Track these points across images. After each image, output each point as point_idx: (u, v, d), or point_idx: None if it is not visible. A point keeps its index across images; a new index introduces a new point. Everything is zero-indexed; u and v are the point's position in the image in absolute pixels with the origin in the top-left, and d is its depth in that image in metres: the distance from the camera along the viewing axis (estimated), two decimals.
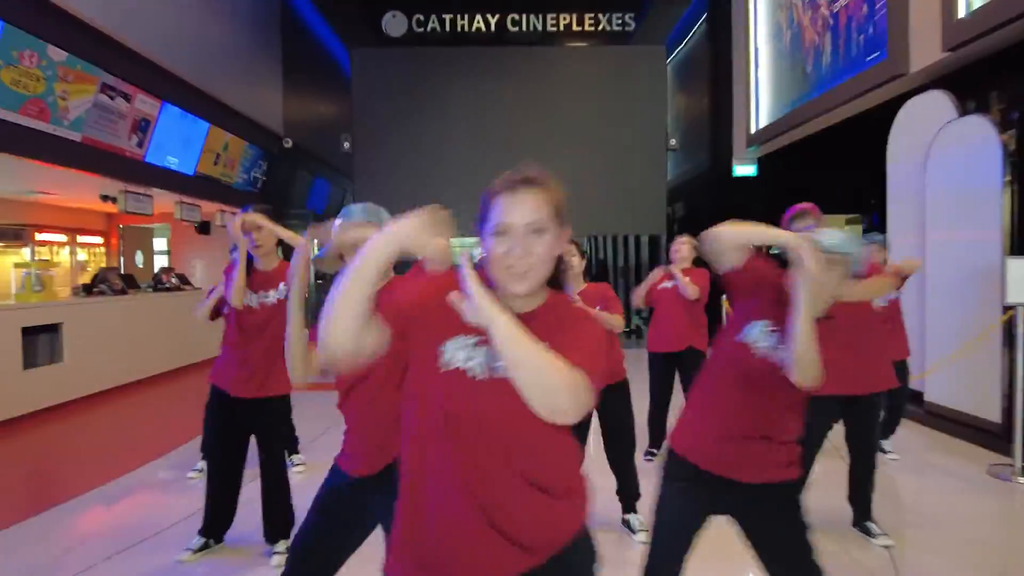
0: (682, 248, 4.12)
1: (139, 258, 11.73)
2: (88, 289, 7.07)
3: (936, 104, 5.36)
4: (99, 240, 11.06)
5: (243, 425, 2.89)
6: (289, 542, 2.88)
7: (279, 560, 2.83)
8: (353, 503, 1.73)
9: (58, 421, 5.57)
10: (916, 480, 4.11)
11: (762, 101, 9.27)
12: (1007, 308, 4.17)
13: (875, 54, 6.37)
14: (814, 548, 1.77)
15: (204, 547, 2.96)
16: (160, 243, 12.61)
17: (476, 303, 1.04)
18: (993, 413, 4.55)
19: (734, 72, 9.98)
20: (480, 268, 1.16)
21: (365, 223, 1.81)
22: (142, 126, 6.94)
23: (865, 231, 9.94)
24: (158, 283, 8.27)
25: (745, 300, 1.80)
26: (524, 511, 1.13)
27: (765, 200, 9.78)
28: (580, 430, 2.74)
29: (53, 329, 6.03)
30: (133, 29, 6.42)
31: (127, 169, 7.01)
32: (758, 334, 1.74)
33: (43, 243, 9.70)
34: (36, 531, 3.31)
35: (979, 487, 3.87)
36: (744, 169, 9.98)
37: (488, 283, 1.13)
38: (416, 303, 1.18)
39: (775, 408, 1.74)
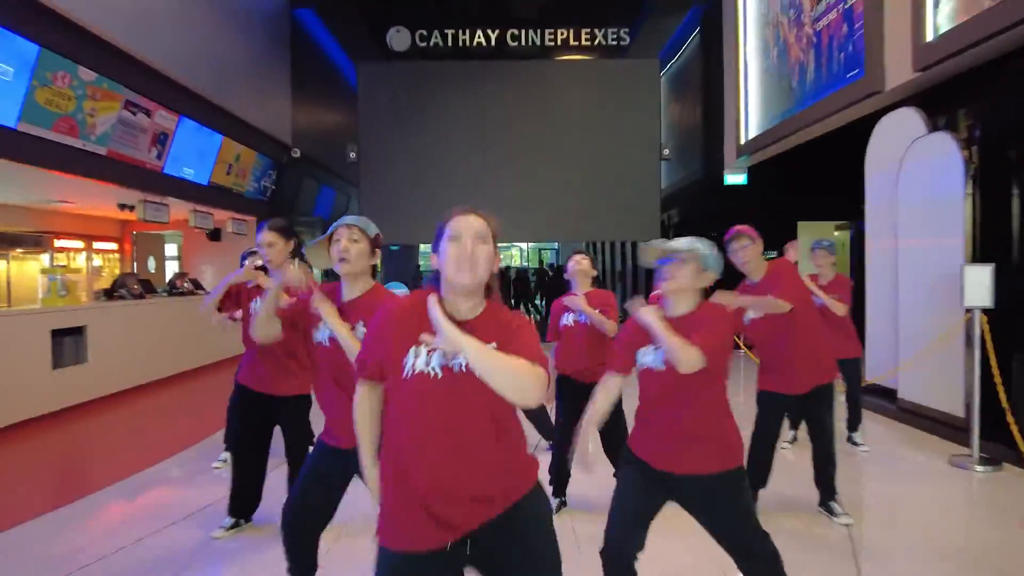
0: (583, 263, 3.58)
1: (151, 263, 12.11)
2: (109, 294, 7.45)
3: (907, 120, 5.73)
4: (114, 246, 11.44)
5: (267, 418, 3.24)
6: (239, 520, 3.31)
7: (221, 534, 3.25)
8: (333, 462, 2.21)
9: (85, 418, 5.93)
10: (883, 469, 4.46)
11: (751, 113, 9.64)
12: (968, 311, 4.54)
13: (854, 71, 6.75)
14: (758, 525, 2.12)
15: (235, 526, 3.32)
16: (171, 249, 12.99)
17: (446, 335, 1.36)
18: (957, 408, 4.90)
19: (725, 85, 10.36)
20: (433, 286, 1.53)
21: (351, 226, 2.16)
22: (161, 139, 7.32)
23: (852, 237, 10.33)
24: (173, 288, 8.64)
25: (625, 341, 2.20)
26: (482, 474, 1.48)
27: (755, 208, 10.17)
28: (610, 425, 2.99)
29: (78, 332, 6.39)
30: (155, 48, 6.81)
31: (147, 180, 7.39)
32: (650, 356, 2.11)
33: (61, 249, 10.08)
34: (75, 515, 3.63)
35: (940, 475, 4.22)
36: (735, 178, 10.35)
37: (439, 295, 1.51)
38: (383, 345, 1.55)
39: (696, 411, 2.08)
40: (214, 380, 7.80)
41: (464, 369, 1.43)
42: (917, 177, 5.49)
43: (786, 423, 4.83)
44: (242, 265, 3.51)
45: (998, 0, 4.71)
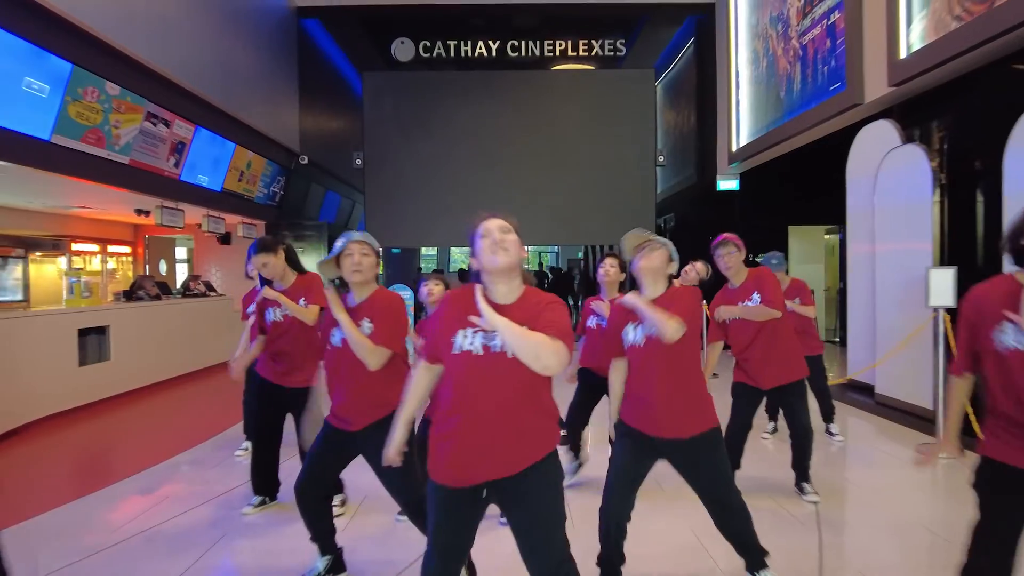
0: (611, 272, 3.81)
1: (163, 266, 12.49)
2: (128, 295, 7.81)
3: (883, 132, 6.09)
4: (127, 249, 11.81)
5: (282, 407, 3.58)
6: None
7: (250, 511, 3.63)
8: (336, 441, 2.61)
9: (110, 412, 6.29)
10: (854, 457, 4.82)
11: (742, 121, 10.01)
12: (934, 310, 4.90)
13: (836, 84, 7.12)
14: (733, 480, 2.52)
15: (262, 503, 3.68)
16: (181, 252, 13.37)
17: (486, 315, 1.74)
18: (927, 401, 5.26)
19: (718, 93, 10.74)
20: (476, 281, 1.91)
21: (361, 242, 2.53)
22: (179, 148, 7.69)
23: (841, 241, 10.67)
24: (187, 290, 9.00)
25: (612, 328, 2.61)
26: (509, 437, 1.84)
27: (747, 212, 10.55)
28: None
29: (102, 331, 6.75)
30: (173, 61, 7.18)
31: (164, 187, 7.76)
32: (632, 334, 2.48)
33: (77, 253, 10.45)
34: (108, 499, 3.95)
35: (906, 462, 4.56)
36: (727, 184, 10.71)
37: (484, 286, 1.88)
38: (436, 330, 1.96)
39: (675, 379, 2.45)
40: (227, 378, 8.17)
41: (500, 349, 1.79)
42: (891, 185, 5.85)
43: (768, 416, 5.20)
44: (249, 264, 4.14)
45: (963, 22, 5.09)
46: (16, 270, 9.44)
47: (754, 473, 3.81)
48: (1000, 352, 1.88)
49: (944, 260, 5.30)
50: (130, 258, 11.88)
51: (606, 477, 2.56)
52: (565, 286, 16.74)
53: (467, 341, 1.84)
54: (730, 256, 3.54)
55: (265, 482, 3.69)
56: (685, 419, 2.45)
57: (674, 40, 12.52)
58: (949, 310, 4.75)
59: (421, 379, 2.06)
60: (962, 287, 4.72)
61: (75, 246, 10.36)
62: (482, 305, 1.74)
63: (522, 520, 1.89)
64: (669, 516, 3.46)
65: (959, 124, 5.44)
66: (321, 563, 2.71)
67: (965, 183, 5.22)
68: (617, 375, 2.59)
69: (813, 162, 8.70)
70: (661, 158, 11.18)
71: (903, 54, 5.91)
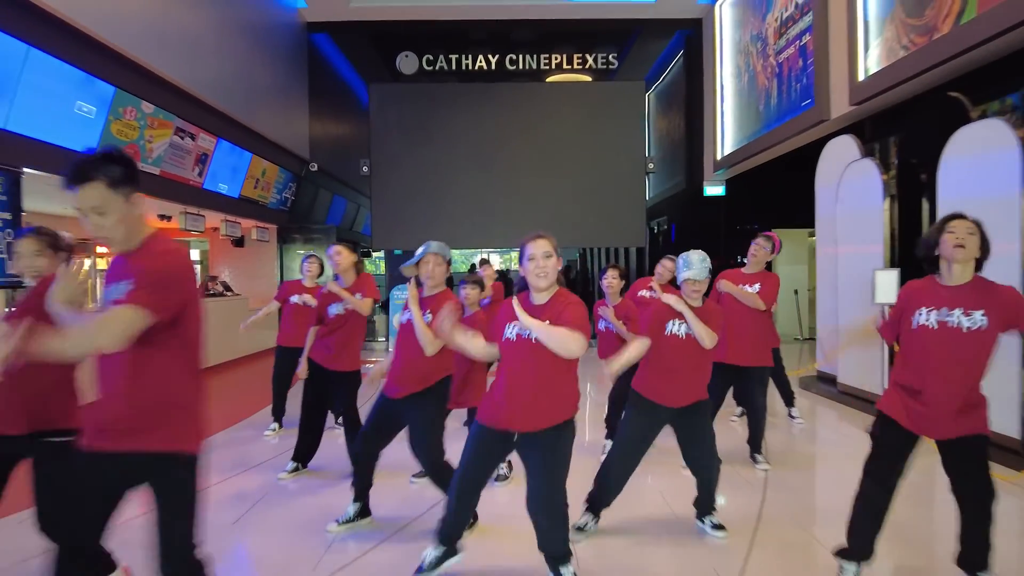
0: (612, 283, 4.55)
1: None
2: None
3: (845, 146, 6.73)
4: None
5: (326, 385, 4.21)
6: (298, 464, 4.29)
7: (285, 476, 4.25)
8: (389, 408, 3.24)
9: None
10: (810, 436, 5.46)
11: (727, 131, 10.66)
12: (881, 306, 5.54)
13: (807, 101, 7.77)
14: (715, 444, 3.23)
15: (296, 469, 4.31)
16: (194, 254, 14.02)
17: (520, 319, 2.39)
18: (878, 388, 5.90)
19: (704, 104, 11.39)
20: (522, 285, 2.58)
21: (436, 254, 3.19)
22: (202, 159, 8.34)
23: None
24: (206, 290, 9.64)
25: (654, 315, 3.25)
26: (540, 401, 2.50)
27: (732, 216, 11.20)
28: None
29: None
30: (199, 79, 7.82)
31: (189, 195, 8.41)
32: (674, 326, 3.14)
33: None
34: None
35: (853, 439, 5.19)
36: (714, 189, 11.36)
37: (526, 291, 2.55)
38: (493, 324, 2.65)
39: (702, 369, 3.17)
40: (247, 371, 8.82)
41: (531, 339, 2.44)
42: (850, 195, 6.50)
43: (736, 402, 5.84)
44: (304, 264, 4.81)
45: (909, 51, 5.74)
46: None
47: (719, 446, 4.45)
48: (914, 329, 2.52)
49: (894, 261, 5.94)
50: None
51: (616, 440, 3.31)
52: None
53: (512, 332, 2.53)
54: (760, 248, 4.32)
55: (305, 449, 4.30)
56: (697, 392, 3.18)
57: (665, 52, 13.17)
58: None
59: (482, 344, 2.71)
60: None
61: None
62: (518, 311, 2.40)
63: (536, 464, 2.55)
64: (642, 478, 4.10)
65: (908, 141, 6.09)
66: (352, 508, 3.36)
67: (912, 193, 5.86)
68: (638, 348, 3.14)
69: (793, 169, 9.34)
70: (651, 165, 11.80)
71: (861, 76, 6.56)
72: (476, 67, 12.28)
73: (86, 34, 5.77)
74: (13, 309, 2.72)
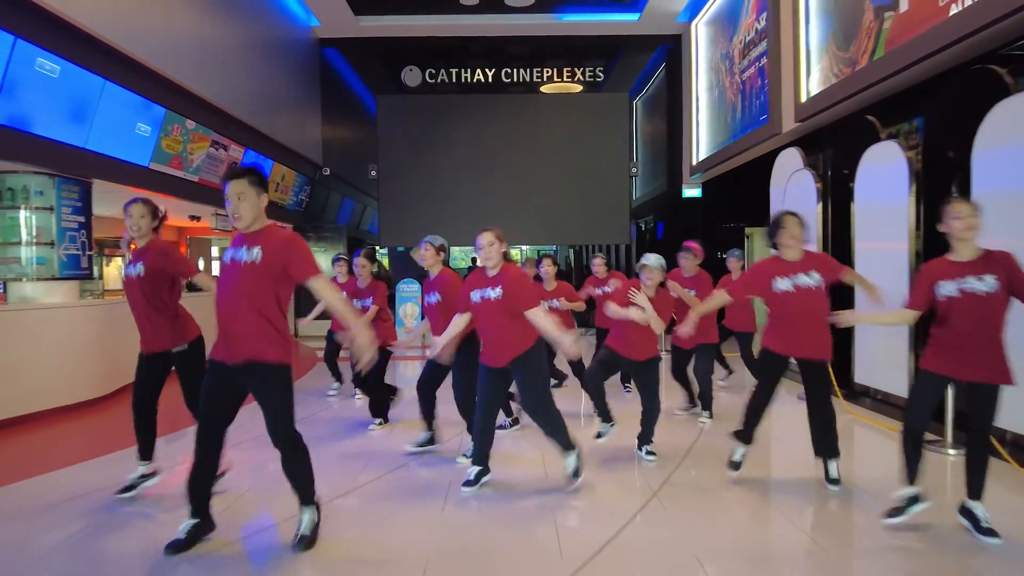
0: (549, 270, 5.87)
1: (201, 263, 14.24)
2: (190, 287, 9.55)
3: (791, 158, 7.81)
4: None
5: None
6: (381, 420, 5.38)
7: (375, 428, 5.33)
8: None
9: None
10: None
11: (701, 138, 11.75)
12: None
13: (763, 116, 8.86)
14: (658, 392, 4.34)
15: (380, 424, 5.34)
16: (214, 251, 15.13)
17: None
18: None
19: (683, 114, 12.47)
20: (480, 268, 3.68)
21: (430, 244, 4.31)
22: (232, 167, 9.44)
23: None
24: None
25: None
26: (506, 339, 3.63)
27: (708, 216, 12.30)
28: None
29: None
30: (231, 98, 8.91)
31: (221, 198, 9.49)
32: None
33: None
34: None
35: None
36: (691, 191, 12.44)
37: (483, 268, 3.65)
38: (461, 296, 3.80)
39: (637, 329, 4.23)
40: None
41: (491, 299, 3.57)
42: (794, 199, 7.58)
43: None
44: (335, 264, 5.96)
45: (838, 79, 6.83)
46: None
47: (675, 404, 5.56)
48: (940, 300, 3.07)
49: None
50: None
51: (591, 366, 4.56)
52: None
53: (476, 296, 3.65)
54: (688, 260, 5.50)
55: (378, 408, 5.39)
56: (639, 348, 4.28)
57: (650, 63, 14.24)
58: None
59: (463, 322, 3.83)
60: None
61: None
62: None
63: (522, 378, 3.69)
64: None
65: (838, 155, 7.17)
66: (424, 435, 4.55)
67: (840, 199, 6.93)
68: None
69: (761, 173, 10.41)
70: (635, 170, 12.90)
71: (804, 97, 7.65)
72: (475, 80, 13.37)
73: (144, 65, 6.85)
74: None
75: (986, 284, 2.97)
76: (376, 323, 5.23)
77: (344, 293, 5.63)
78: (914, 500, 3.18)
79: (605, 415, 4.57)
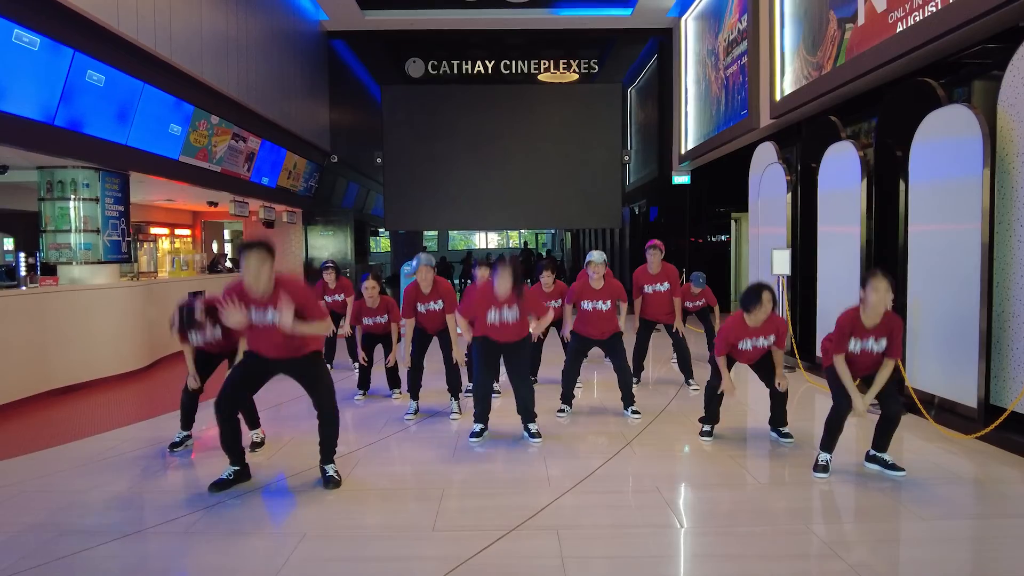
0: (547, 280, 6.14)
1: (215, 246, 14.95)
2: (211, 268, 10.29)
3: (767, 151, 8.53)
4: (187, 232, 14.26)
5: (377, 344, 6.07)
6: (401, 389, 6.13)
7: (396, 396, 6.10)
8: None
9: None
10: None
11: (689, 128, 12.40)
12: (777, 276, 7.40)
13: (744, 111, 9.54)
14: (626, 359, 5.19)
15: (415, 412, 6.08)
16: (226, 234, 15.84)
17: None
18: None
19: (673, 104, 13.11)
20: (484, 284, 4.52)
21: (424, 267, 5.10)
22: (250, 157, 10.12)
23: None
24: (215, 267, 11.46)
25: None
26: (509, 332, 4.45)
27: (696, 203, 13.01)
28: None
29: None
30: (249, 93, 9.55)
31: (239, 186, 10.20)
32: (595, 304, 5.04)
33: (155, 235, 12.89)
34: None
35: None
36: (680, 178, 13.12)
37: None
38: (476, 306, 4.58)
39: (606, 315, 5.05)
40: None
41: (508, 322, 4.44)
42: (767, 189, 8.33)
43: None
44: (323, 271, 6.91)
45: (808, 80, 7.52)
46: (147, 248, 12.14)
47: (661, 375, 6.34)
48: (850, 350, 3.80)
49: (795, 240, 7.77)
50: (190, 239, 14.33)
51: (568, 358, 5.30)
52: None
53: (494, 317, 4.44)
54: (652, 255, 6.21)
55: (414, 389, 6.12)
56: (606, 328, 5.12)
57: (643, 53, 14.82)
58: (787, 276, 7.29)
59: (464, 325, 4.64)
60: (795, 261, 7.25)
61: (153, 229, 12.81)
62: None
63: (513, 359, 4.50)
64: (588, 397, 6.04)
65: (806, 150, 7.87)
66: (456, 405, 5.34)
67: (808, 190, 7.65)
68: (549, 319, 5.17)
69: (744, 163, 11.11)
70: (627, 157, 13.58)
71: (779, 96, 8.34)
72: (475, 71, 13.98)
73: (178, 68, 7.52)
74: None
75: (879, 345, 3.76)
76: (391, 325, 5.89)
77: (326, 297, 6.84)
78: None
79: (568, 400, 5.34)
